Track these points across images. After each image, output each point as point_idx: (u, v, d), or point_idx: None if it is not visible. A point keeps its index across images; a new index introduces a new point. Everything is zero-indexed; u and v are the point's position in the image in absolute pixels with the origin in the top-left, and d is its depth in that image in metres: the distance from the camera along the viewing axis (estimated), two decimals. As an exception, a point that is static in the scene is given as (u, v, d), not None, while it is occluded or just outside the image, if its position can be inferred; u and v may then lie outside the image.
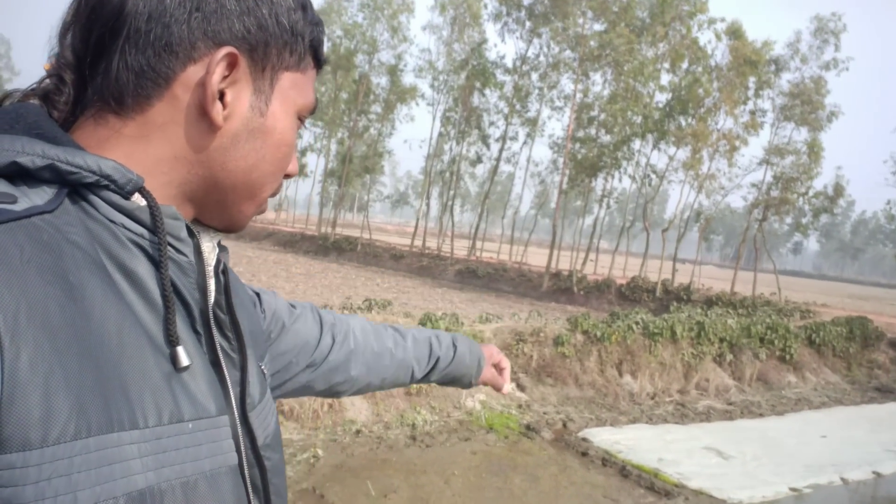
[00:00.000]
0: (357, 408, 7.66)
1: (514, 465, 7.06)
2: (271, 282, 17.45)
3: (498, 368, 1.39)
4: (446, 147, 33.40)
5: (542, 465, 7.19)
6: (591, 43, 25.00)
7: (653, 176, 27.07)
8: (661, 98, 25.25)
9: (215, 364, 0.63)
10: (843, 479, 7.67)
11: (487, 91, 30.03)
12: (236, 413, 0.65)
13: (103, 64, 0.59)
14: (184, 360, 0.57)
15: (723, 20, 24.12)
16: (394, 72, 32.20)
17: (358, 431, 7.29)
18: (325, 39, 0.73)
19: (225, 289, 0.67)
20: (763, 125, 25.01)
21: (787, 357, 12.70)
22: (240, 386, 0.67)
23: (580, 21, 25.76)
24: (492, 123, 31.01)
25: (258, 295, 0.97)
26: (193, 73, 0.60)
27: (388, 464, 6.66)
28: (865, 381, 13.68)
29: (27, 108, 0.57)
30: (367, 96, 33.01)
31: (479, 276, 26.40)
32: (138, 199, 0.59)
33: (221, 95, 0.61)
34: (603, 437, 8.12)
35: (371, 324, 1.18)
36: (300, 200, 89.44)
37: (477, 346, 1.33)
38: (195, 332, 0.62)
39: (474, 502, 6.09)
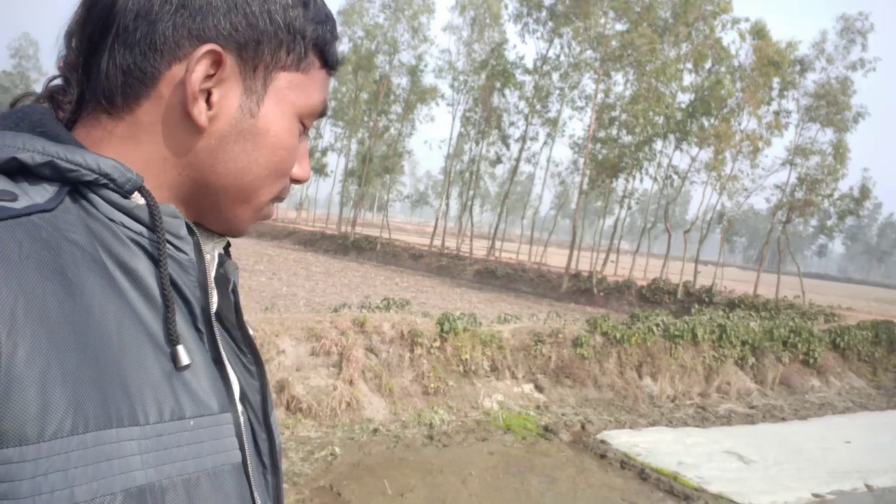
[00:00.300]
0: (375, 406, 7.68)
1: (531, 467, 7.03)
2: (291, 280, 17.59)
3: None
4: (466, 147, 33.52)
5: (560, 466, 7.16)
6: (613, 43, 24.89)
7: (675, 177, 26.90)
8: (684, 98, 25.11)
9: (217, 361, 0.63)
10: (867, 485, 7.55)
11: (507, 91, 30.07)
12: (259, 416, 0.70)
13: (97, 63, 0.59)
14: (184, 359, 0.56)
15: (747, 20, 23.93)
16: (414, 72, 32.33)
17: (375, 430, 7.31)
18: (340, 39, 0.70)
19: (235, 307, 0.69)
20: (787, 126, 24.71)
21: (811, 361, 12.52)
22: (260, 394, 0.71)
23: (602, 21, 25.64)
24: (512, 124, 31.05)
25: None
26: (178, 71, 0.59)
27: (405, 463, 6.67)
28: (891, 386, 13.46)
29: (33, 108, 0.58)
30: (387, 96, 33.17)
31: (497, 277, 26.37)
32: (138, 199, 0.58)
33: (208, 95, 0.60)
34: (622, 440, 8.06)
35: None
36: (321, 200, 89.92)
37: None
38: (196, 329, 0.62)
39: (491, 503, 6.08)
